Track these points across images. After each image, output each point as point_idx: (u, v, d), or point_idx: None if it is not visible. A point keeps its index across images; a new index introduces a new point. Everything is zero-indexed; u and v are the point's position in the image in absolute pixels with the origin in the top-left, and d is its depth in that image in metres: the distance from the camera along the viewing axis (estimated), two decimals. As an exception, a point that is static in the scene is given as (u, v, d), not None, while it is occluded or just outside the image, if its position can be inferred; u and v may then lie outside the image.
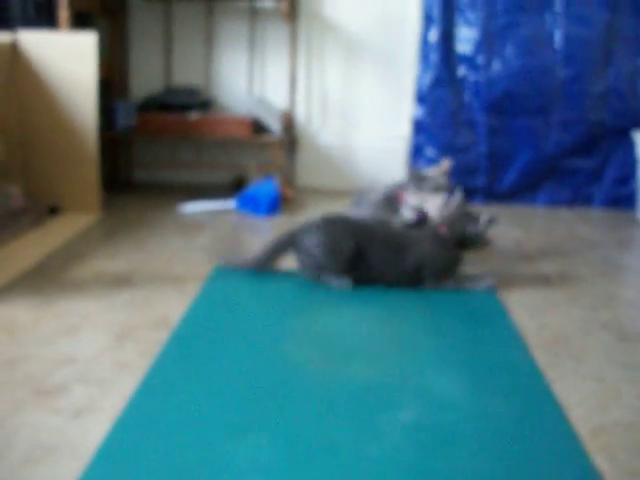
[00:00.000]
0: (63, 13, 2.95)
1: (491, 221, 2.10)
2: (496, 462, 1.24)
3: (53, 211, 2.81)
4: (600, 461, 1.26)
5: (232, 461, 1.22)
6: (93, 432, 1.30)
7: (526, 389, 1.52)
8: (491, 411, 1.41)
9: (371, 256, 2.07)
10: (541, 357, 1.67)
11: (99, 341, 1.69)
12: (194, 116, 3.22)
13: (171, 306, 1.92)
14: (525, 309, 1.99)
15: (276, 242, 2.17)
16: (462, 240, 2.09)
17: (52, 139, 2.82)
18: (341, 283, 2.08)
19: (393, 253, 2.07)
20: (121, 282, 2.10)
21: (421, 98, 3.30)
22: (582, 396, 1.50)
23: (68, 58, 2.76)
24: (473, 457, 1.25)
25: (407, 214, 2.33)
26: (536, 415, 1.41)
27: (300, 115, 3.54)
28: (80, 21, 3.14)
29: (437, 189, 2.32)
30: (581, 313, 1.98)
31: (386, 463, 1.22)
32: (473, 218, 2.10)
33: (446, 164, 2.37)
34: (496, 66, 3.22)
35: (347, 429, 1.33)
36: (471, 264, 2.39)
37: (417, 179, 2.35)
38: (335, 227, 2.08)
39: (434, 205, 2.28)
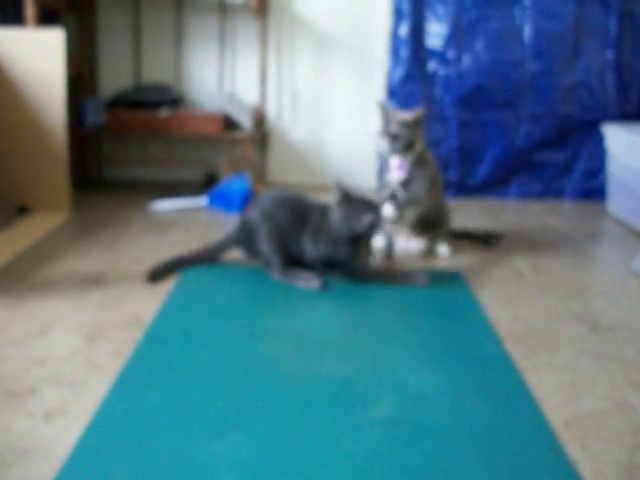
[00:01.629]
0: (30, 9, 2.90)
1: (374, 225, 2.02)
2: (471, 455, 1.25)
3: (22, 211, 2.77)
4: (573, 451, 1.27)
5: (208, 460, 1.21)
6: (65, 434, 1.28)
7: (500, 381, 1.53)
8: (466, 404, 1.42)
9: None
10: (514, 349, 1.68)
11: (70, 342, 1.67)
12: (164, 113, 3.19)
13: (143, 305, 1.90)
14: (498, 301, 2.00)
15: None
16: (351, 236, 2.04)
17: (20, 138, 2.77)
18: (308, 283, 2.05)
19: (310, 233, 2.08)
20: (92, 282, 2.08)
21: (392, 93, 3.30)
22: (555, 387, 1.51)
23: (35, 55, 2.72)
24: (449, 451, 1.26)
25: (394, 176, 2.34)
26: (510, 407, 1.42)
27: (271, 111, 3.52)
28: (47, 18, 3.10)
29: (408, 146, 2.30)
30: (553, 304, 1.99)
31: (362, 459, 1.22)
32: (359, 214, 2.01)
33: (421, 110, 2.32)
34: (466, 60, 3.23)
35: (323, 425, 1.32)
36: (441, 259, 2.40)
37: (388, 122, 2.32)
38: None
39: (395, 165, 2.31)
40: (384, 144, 2.29)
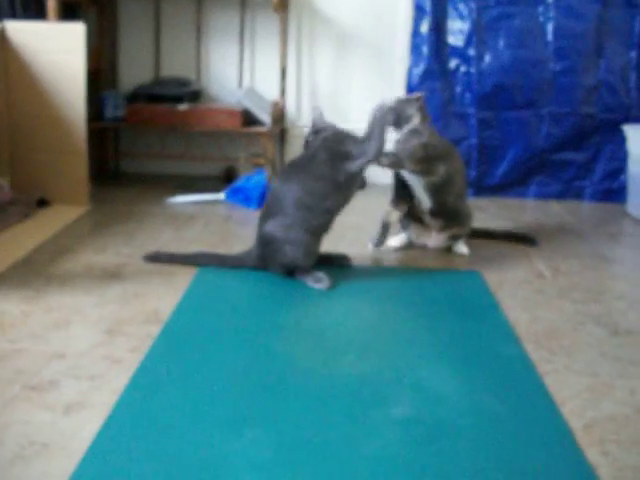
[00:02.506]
0: (51, 3, 2.91)
1: None
2: (490, 457, 1.24)
3: (41, 203, 2.78)
4: (593, 455, 1.26)
5: (226, 457, 1.21)
6: (84, 428, 1.28)
7: (519, 383, 1.52)
8: (485, 406, 1.41)
9: None
10: (533, 351, 1.67)
11: (89, 336, 1.68)
12: (183, 107, 3.19)
13: (161, 300, 1.91)
14: (517, 302, 1.99)
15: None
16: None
17: (40, 131, 2.79)
18: (319, 282, 2.04)
19: None
20: (111, 276, 2.09)
21: (412, 90, 3.28)
22: (575, 390, 1.50)
23: (56, 49, 2.72)
24: (467, 452, 1.25)
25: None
26: (529, 410, 1.41)
27: (290, 106, 3.52)
28: (68, 11, 3.11)
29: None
30: (573, 307, 1.98)
31: (381, 459, 1.22)
32: None
33: (419, 93, 2.36)
34: (487, 58, 3.21)
35: (341, 424, 1.32)
36: (460, 258, 2.39)
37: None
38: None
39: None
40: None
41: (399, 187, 2.38)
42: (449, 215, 2.40)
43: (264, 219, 2.08)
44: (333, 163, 2.02)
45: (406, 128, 2.32)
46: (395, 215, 2.42)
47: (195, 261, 2.19)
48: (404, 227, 2.48)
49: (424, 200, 2.37)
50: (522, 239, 2.58)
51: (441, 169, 2.30)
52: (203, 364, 1.55)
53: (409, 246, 2.49)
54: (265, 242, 2.07)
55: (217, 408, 1.37)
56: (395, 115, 2.29)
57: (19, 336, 1.66)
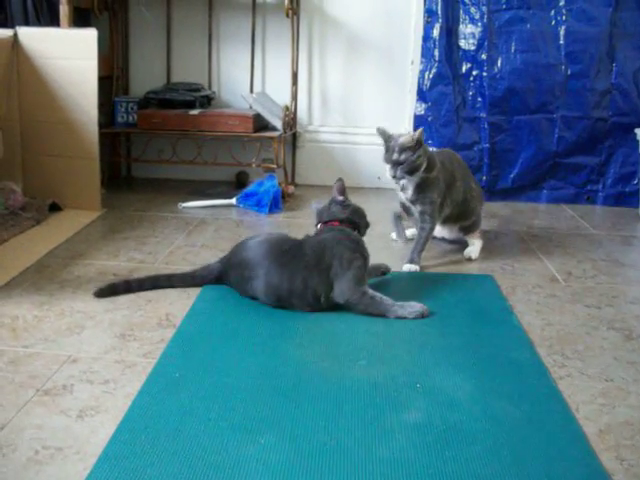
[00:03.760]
0: (64, 9, 2.93)
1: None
2: (504, 462, 1.23)
3: (53, 208, 2.79)
4: (608, 461, 1.26)
5: (240, 461, 1.21)
6: (98, 432, 1.29)
7: (533, 389, 1.51)
8: (498, 411, 1.40)
9: None
10: (547, 356, 1.67)
11: (102, 340, 1.68)
12: (195, 112, 3.20)
13: (173, 305, 1.91)
14: (530, 307, 1.98)
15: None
16: None
17: (53, 136, 2.80)
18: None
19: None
20: (123, 280, 2.09)
21: (423, 94, 3.28)
22: (589, 395, 1.49)
23: (69, 55, 2.74)
24: (481, 457, 1.24)
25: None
26: (543, 415, 1.40)
27: (302, 111, 3.52)
28: (80, 17, 3.12)
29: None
30: (586, 311, 1.97)
31: (394, 463, 1.21)
32: None
33: (419, 132, 2.25)
34: (499, 62, 3.20)
35: (355, 429, 1.32)
36: (473, 262, 2.39)
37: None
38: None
39: None
40: (387, 171, 2.28)
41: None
42: (454, 218, 2.46)
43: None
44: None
45: (414, 179, 2.27)
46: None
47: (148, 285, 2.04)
48: (399, 233, 2.52)
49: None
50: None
51: (449, 201, 2.38)
52: (216, 368, 1.55)
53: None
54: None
55: (231, 412, 1.37)
56: (404, 170, 2.24)
57: (33, 341, 1.67)
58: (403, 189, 2.30)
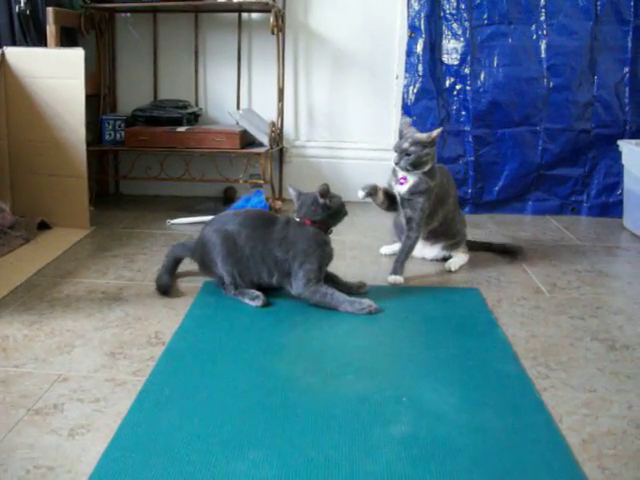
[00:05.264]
0: (51, 28, 2.95)
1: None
2: (490, 474, 1.25)
3: (42, 226, 2.81)
4: (591, 470, 1.28)
5: (229, 477, 1.23)
6: (89, 451, 1.30)
7: (518, 400, 1.53)
8: (483, 423, 1.43)
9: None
10: (531, 367, 1.69)
11: (92, 359, 1.70)
12: (182, 129, 3.22)
13: (162, 322, 1.93)
14: (515, 319, 2.01)
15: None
16: None
17: (41, 154, 2.82)
18: (253, 300, 2.08)
19: None
20: (112, 299, 2.11)
21: (408, 108, 3.32)
22: (572, 406, 1.51)
23: (56, 74, 2.76)
24: (467, 470, 1.26)
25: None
26: (528, 426, 1.43)
27: (288, 126, 3.55)
28: (67, 37, 3.15)
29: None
30: (570, 322, 2.00)
31: (381, 478, 1.23)
32: None
33: (437, 131, 2.32)
34: (482, 77, 3.24)
35: (342, 444, 1.34)
36: (459, 273, 2.41)
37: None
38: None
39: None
40: (394, 157, 2.32)
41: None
42: (438, 234, 2.49)
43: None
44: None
45: (415, 175, 2.33)
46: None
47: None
48: (400, 239, 2.52)
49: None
50: (509, 252, 2.65)
51: (440, 215, 2.42)
52: (205, 385, 1.57)
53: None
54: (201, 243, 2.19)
55: (220, 429, 1.38)
56: (410, 161, 2.29)
57: (23, 360, 1.68)
58: (401, 182, 2.35)
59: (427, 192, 2.32)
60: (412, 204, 2.34)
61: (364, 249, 2.63)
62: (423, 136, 2.29)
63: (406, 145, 2.29)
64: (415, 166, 2.29)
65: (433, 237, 2.50)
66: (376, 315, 2.00)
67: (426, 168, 2.31)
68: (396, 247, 2.58)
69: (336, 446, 1.33)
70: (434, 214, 2.40)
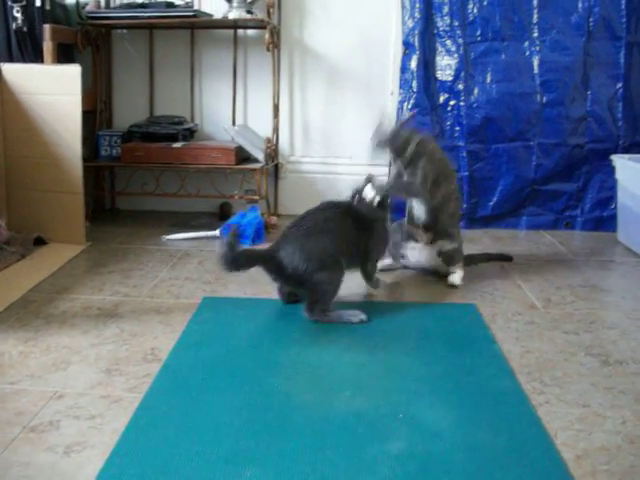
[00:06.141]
0: (48, 45, 2.97)
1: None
2: (485, 491, 1.26)
3: (38, 242, 2.81)
4: (586, 487, 1.28)
5: (224, 496, 1.23)
6: (85, 468, 1.30)
7: (513, 416, 1.54)
8: (479, 440, 1.43)
9: None
10: (526, 383, 1.70)
11: (88, 376, 1.70)
12: (178, 145, 3.24)
13: (159, 339, 1.93)
14: (510, 334, 2.02)
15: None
16: None
17: (37, 170, 2.82)
18: (357, 317, 2.09)
19: None
20: (108, 315, 2.11)
21: (403, 125, 3.33)
22: (567, 422, 1.52)
23: (53, 90, 2.77)
24: (462, 486, 1.27)
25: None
26: (523, 442, 1.43)
27: (283, 142, 3.57)
28: (63, 53, 3.16)
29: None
30: (565, 337, 2.01)
31: (376, 494, 1.24)
32: None
33: (409, 114, 2.46)
34: (476, 92, 3.26)
35: (339, 460, 1.34)
36: (455, 291, 2.42)
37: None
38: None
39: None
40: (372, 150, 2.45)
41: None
42: (439, 231, 2.50)
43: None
44: None
45: (401, 159, 2.40)
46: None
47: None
48: (392, 256, 2.59)
49: (420, 215, 2.50)
50: (499, 258, 2.75)
51: (442, 190, 2.43)
52: (202, 402, 1.57)
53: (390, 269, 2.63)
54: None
55: (217, 446, 1.38)
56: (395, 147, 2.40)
57: (19, 377, 1.68)
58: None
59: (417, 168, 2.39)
60: (412, 170, 2.41)
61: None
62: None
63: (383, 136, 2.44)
64: (398, 153, 2.42)
65: (431, 234, 2.50)
66: (372, 331, 2.01)
67: (409, 151, 2.39)
68: (387, 262, 2.62)
69: (333, 463, 1.33)
70: (436, 190, 2.42)
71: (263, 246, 2.22)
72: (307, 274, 2.02)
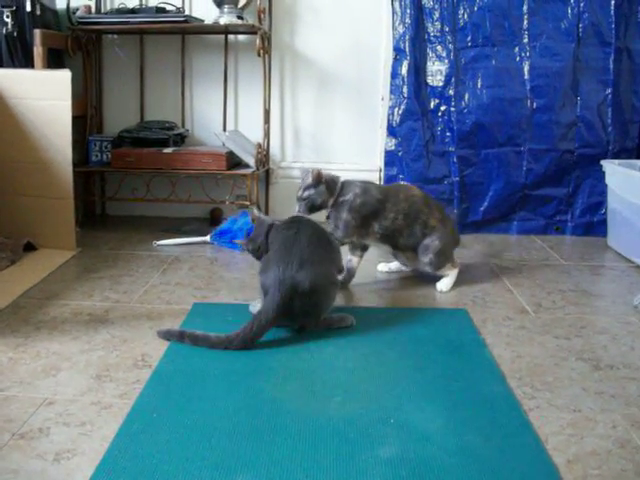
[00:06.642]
0: (38, 50, 2.96)
1: None
2: (476, 496, 1.26)
3: (28, 248, 2.80)
4: (577, 491, 1.28)
5: (215, 502, 1.22)
6: (75, 476, 1.30)
7: (504, 421, 1.54)
8: (470, 444, 1.43)
9: None
10: (517, 388, 1.70)
11: (78, 382, 1.69)
12: (168, 151, 3.23)
13: (150, 345, 1.92)
14: (501, 339, 2.02)
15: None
16: None
17: (27, 176, 2.81)
18: (346, 321, 2.10)
19: None
20: (98, 321, 2.10)
21: (393, 130, 3.34)
22: (558, 426, 1.52)
23: (43, 95, 2.76)
24: (453, 491, 1.27)
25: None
26: (514, 447, 1.43)
27: (274, 148, 3.57)
28: (53, 57, 3.15)
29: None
30: (555, 342, 2.01)
31: (368, 500, 1.23)
32: None
33: (315, 170, 2.43)
34: (466, 98, 3.27)
35: (330, 466, 1.34)
36: (445, 295, 2.43)
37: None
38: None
39: None
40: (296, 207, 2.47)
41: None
42: (414, 249, 2.49)
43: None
44: None
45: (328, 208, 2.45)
46: (356, 261, 2.54)
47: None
48: (395, 256, 2.59)
49: (379, 247, 2.56)
50: None
51: (375, 227, 2.44)
52: (192, 408, 1.56)
53: (398, 272, 2.69)
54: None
55: (208, 452, 1.38)
56: (307, 206, 2.43)
57: (8, 384, 1.67)
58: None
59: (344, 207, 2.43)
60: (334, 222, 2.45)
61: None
62: (309, 179, 2.43)
63: (300, 193, 2.44)
64: (314, 208, 2.43)
65: (410, 253, 2.50)
66: (363, 336, 2.01)
67: (329, 203, 2.43)
68: (393, 265, 2.68)
69: (324, 468, 1.33)
70: (368, 229, 2.44)
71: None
72: (317, 308, 2.01)
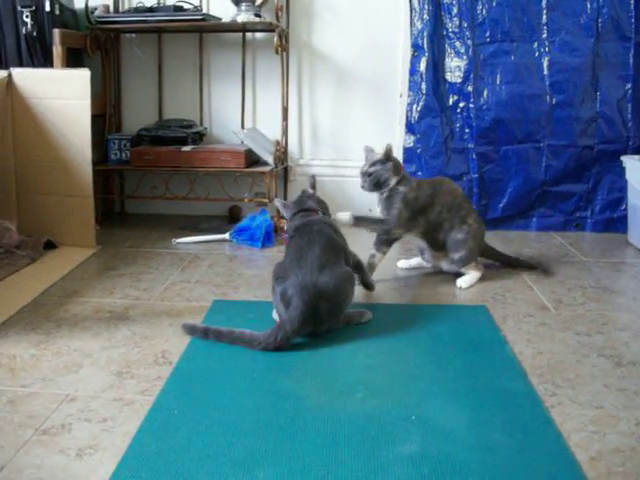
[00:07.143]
0: (57, 49, 2.98)
1: None
2: (498, 492, 1.25)
3: (48, 246, 2.82)
4: (600, 489, 1.27)
5: (237, 498, 1.22)
6: (98, 471, 1.30)
7: (526, 417, 1.53)
8: (492, 441, 1.42)
9: None
10: (538, 385, 1.69)
11: (99, 379, 1.70)
12: (187, 149, 3.24)
13: (170, 342, 1.93)
14: (522, 336, 2.01)
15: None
16: None
17: (47, 174, 2.83)
18: (365, 316, 2.11)
19: None
20: (119, 318, 2.11)
21: (412, 127, 3.33)
22: (580, 423, 1.51)
23: (62, 94, 2.78)
24: (475, 488, 1.26)
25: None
26: (536, 443, 1.42)
27: (292, 145, 3.57)
28: (72, 56, 3.17)
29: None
30: (577, 338, 2.00)
31: (390, 496, 1.23)
32: None
33: (388, 146, 2.44)
34: (485, 94, 3.26)
35: (350, 462, 1.34)
36: (466, 292, 2.42)
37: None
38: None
39: None
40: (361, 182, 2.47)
41: (382, 233, 2.47)
42: (445, 246, 2.52)
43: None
44: None
45: (386, 190, 2.44)
46: (379, 257, 2.50)
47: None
48: (421, 252, 2.64)
49: (417, 242, 2.58)
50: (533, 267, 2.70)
51: (421, 221, 2.46)
52: (213, 405, 1.57)
53: (418, 268, 2.70)
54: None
55: (229, 448, 1.38)
56: (372, 182, 2.44)
57: (30, 380, 1.68)
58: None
59: (394, 203, 2.43)
60: (388, 216, 2.45)
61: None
62: (378, 155, 2.44)
63: (366, 168, 2.45)
64: (378, 185, 2.43)
65: (442, 250, 2.52)
66: (383, 333, 2.01)
67: (391, 183, 2.42)
68: (414, 261, 2.69)
69: (345, 465, 1.33)
70: (416, 222, 2.46)
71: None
72: (341, 308, 2.00)
